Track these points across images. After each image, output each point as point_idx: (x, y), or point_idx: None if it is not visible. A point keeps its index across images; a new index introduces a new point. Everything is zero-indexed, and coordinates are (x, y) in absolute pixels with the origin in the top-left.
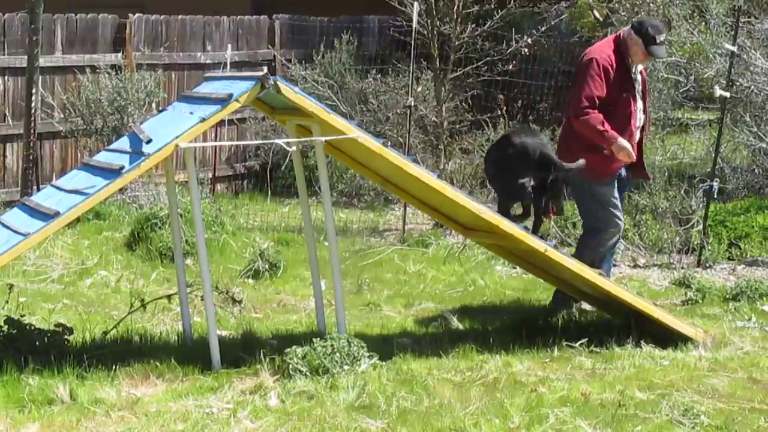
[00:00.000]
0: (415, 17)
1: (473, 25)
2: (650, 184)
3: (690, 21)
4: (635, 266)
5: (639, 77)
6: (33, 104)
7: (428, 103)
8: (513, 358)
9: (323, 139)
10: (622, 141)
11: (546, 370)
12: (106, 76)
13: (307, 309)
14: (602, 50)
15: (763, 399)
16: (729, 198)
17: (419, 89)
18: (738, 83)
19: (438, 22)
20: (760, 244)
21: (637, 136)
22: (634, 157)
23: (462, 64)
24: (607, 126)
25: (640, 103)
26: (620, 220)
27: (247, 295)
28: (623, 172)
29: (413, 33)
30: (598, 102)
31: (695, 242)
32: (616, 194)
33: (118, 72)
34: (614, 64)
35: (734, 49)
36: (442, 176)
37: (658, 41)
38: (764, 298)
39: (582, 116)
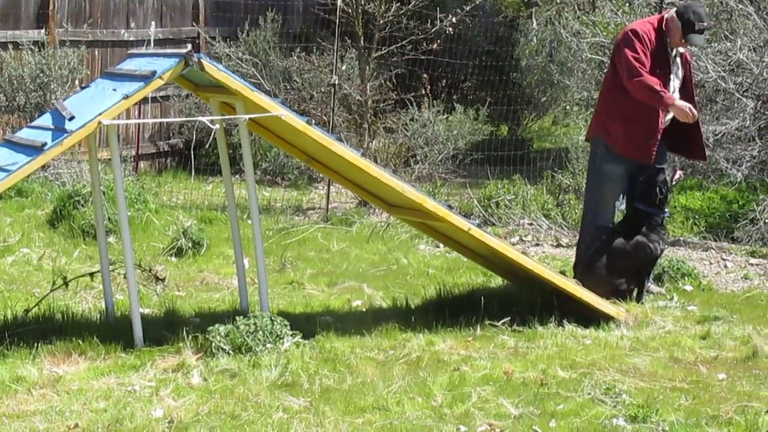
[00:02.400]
0: None
1: (398, 4)
2: (573, 163)
3: (614, 1)
4: (558, 246)
5: (678, 60)
6: None
7: (352, 82)
8: (436, 336)
9: (247, 117)
10: (681, 101)
11: (469, 349)
12: (29, 52)
13: (230, 287)
14: (643, 25)
15: (684, 378)
16: None
17: (343, 68)
18: None
19: (362, 1)
20: (682, 224)
21: (667, 118)
22: (693, 118)
23: (386, 42)
24: (661, 86)
25: (675, 85)
26: (612, 210)
27: (170, 273)
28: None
29: (338, 11)
30: (648, 67)
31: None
32: (623, 184)
33: (41, 48)
34: (653, 41)
35: None
36: (366, 155)
37: (697, 29)
38: (686, 277)
39: (637, 77)
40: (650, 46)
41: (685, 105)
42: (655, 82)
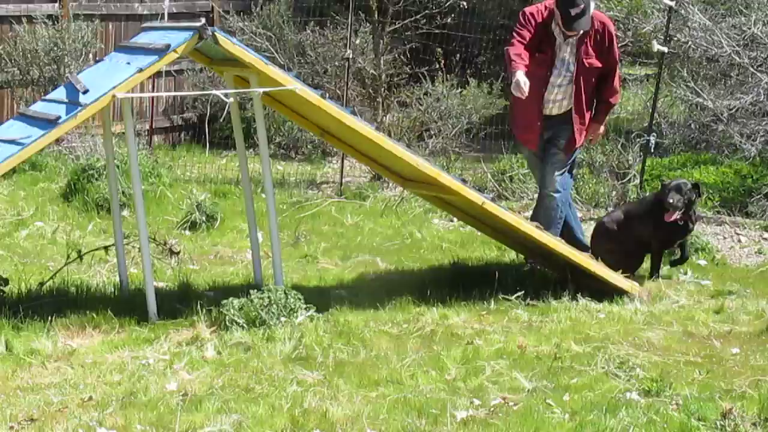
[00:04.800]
0: None
1: None
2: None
3: None
4: None
5: (573, 41)
6: None
7: (366, 56)
8: (450, 310)
9: (261, 90)
10: (519, 76)
11: (483, 323)
12: (43, 26)
13: (244, 261)
14: (536, 7)
15: (698, 352)
16: (665, 153)
17: (357, 42)
18: (675, 38)
19: None
20: None
21: (552, 107)
22: (521, 94)
23: (400, 16)
24: (521, 60)
25: (559, 76)
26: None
27: (184, 246)
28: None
29: None
30: (526, 42)
31: (632, 196)
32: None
33: (55, 22)
34: (539, 21)
35: (672, 4)
36: (380, 129)
37: (573, 14)
38: (700, 252)
39: (507, 46)
40: (533, 26)
41: (520, 80)
42: (516, 52)
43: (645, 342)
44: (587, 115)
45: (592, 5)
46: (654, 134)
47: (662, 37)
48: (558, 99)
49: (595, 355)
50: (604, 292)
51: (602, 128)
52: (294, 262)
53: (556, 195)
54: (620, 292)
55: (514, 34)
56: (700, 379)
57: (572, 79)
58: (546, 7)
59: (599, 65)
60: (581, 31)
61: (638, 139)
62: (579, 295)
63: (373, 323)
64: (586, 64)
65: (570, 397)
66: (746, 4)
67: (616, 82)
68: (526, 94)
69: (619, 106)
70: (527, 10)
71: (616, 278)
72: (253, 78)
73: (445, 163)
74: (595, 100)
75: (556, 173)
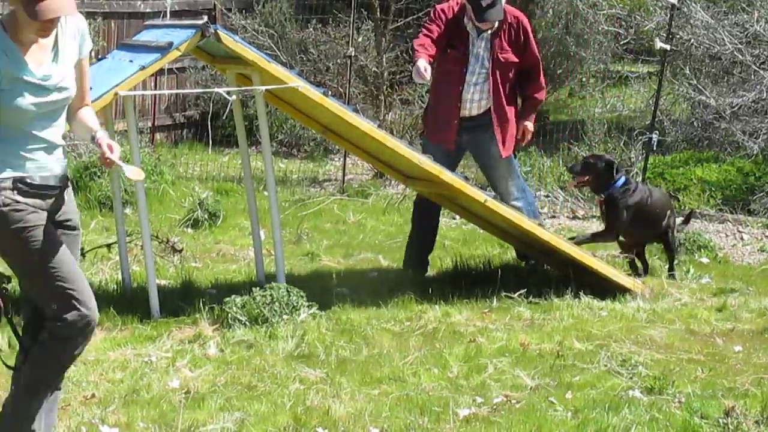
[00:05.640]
0: None
1: None
2: (589, 135)
3: None
4: (574, 218)
5: (483, 45)
6: None
7: (368, 54)
8: (452, 308)
9: (263, 88)
10: (420, 62)
11: (485, 321)
12: None
13: (247, 258)
14: (448, 4)
15: (701, 350)
16: (668, 150)
17: (360, 39)
18: (678, 36)
19: None
20: (698, 196)
21: (471, 107)
22: (422, 79)
23: (403, 14)
24: (424, 49)
25: (474, 73)
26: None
27: (187, 244)
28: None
29: None
30: (434, 36)
31: None
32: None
33: None
34: (450, 17)
35: (674, 1)
36: (382, 126)
37: (483, 5)
38: (702, 250)
39: (418, 34)
40: (443, 22)
41: (420, 66)
42: (420, 42)
43: (647, 340)
44: (509, 113)
45: None
46: (656, 132)
47: (665, 34)
48: (476, 99)
49: (597, 352)
50: (606, 289)
51: (531, 126)
52: (296, 259)
53: (519, 203)
54: (623, 290)
55: (422, 29)
56: (703, 377)
57: (488, 76)
58: (457, 3)
59: (516, 60)
60: (494, 24)
61: (640, 137)
62: (581, 293)
63: (376, 321)
64: (502, 59)
65: (572, 395)
66: (749, 1)
67: (541, 78)
68: (428, 78)
69: (621, 104)
70: (438, 6)
71: (618, 276)
72: (256, 76)
73: None
74: (518, 99)
75: (509, 183)
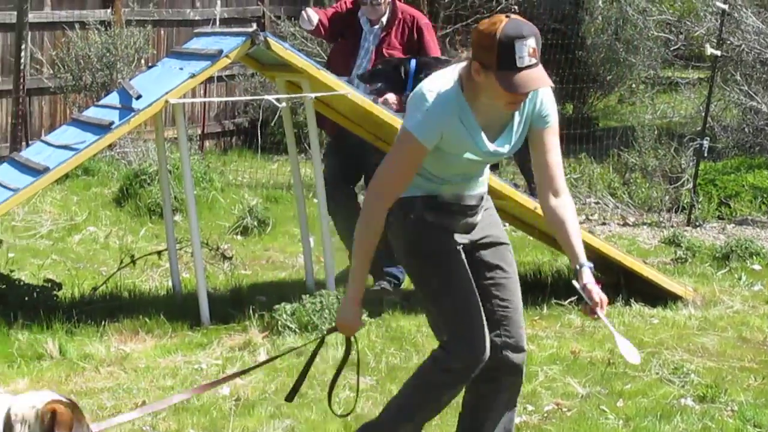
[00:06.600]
0: None
1: None
2: (639, 141)
3: None
4: (625, 225)
5: (372, 39)
6: (22, 60)
7: None
8: None
9: (313, 95)
10: (309, 11)
11: (535, 328)
12: (96, 32)
13: (296, 266)
14: None
15: (753, 357)
16: (719, 157)
17: None
18: (728, 42)
19: None
20: (750, 203)
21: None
22: (309, 25)
23: (452, 21)
24: (317, 9)
25: (359, 68)
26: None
27: (236, 251)
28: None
29: None
30: (327, 21)
31: (685, 201)
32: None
33: (108, 28)
34: (350, 7)
35: (725, 7)
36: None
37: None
38: (754, 257)
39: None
40: (343, 9)
41: (309, 11)
42: (309, 16)
43: (699, 347)
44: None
45: None
46: (707, 138)
47: (715, 40)
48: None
49: (649, 360)
50: (657, 296)
51: None
52: (346, 266)
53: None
54: (674, 297)
55: (322, 12)
56: (756, 385)
57: None
58: None
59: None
60: (380, 13)
61: (691, 143)
62: (632, 300)
63: (426, 328)
64: (385, 54)
65: (624, 403)
66: None
67: None
68: (315, 23)
69: (672, 110)
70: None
71: (669, 283)
72: (305, 83)
73: (496, 168)
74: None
75: None
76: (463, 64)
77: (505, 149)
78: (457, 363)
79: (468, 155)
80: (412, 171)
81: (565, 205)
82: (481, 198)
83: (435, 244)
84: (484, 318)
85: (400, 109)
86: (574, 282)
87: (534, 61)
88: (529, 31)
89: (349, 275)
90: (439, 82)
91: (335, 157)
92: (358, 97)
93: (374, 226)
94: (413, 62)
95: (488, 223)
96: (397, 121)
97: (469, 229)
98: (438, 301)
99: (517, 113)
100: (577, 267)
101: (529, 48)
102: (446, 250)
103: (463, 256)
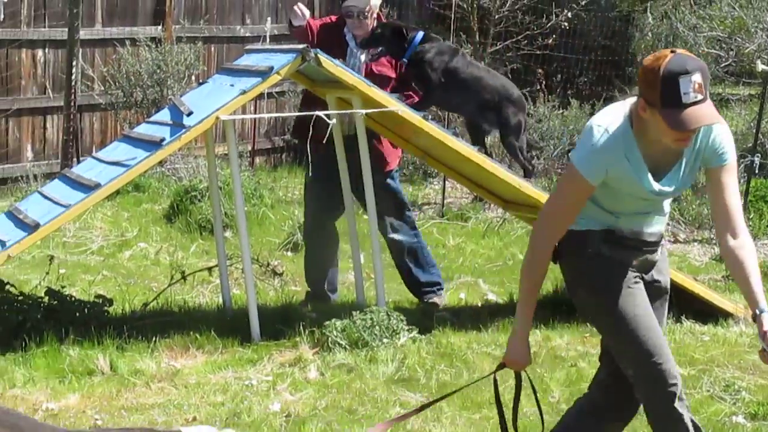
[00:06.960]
0: None
1: None
2: None
3: None
4: (675, 241)
5: (362, 57)
6: (73, 77)
7: None
8: (552, 332)
9: (363, 112)
10: (300, 5)
11: (586, 345)
12: (146, 48)
13: (347, 282)
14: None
15: None
16: None
17: None
18: None
19: None
20: None
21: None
22: (301, 20)
23: (502, 37)
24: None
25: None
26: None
27: (286, 267)
28: None
29: (453, 6)
30: (315, 28)
31: None
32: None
33: (158, 45)
34: (335, 21)
35: None
36: (481, 150)
37: (345, 13)
38: None
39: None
40: (324, 25)
41: (301, 5)
42: (295, 29)
43: (751, 365)
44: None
45: None
46: (758, 155)
47: (766, 56)
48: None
49: (700, 377)
50: (708, 314)
51: None
52: (396, 283)
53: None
54: (724, 315)
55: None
56: None
57: None
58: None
59: (392, 75)
60: (368, 30)
61: (742, 160)
62: (683, 317)
63: (476, 345)
64: (375, 71)
65: None
66: None
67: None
68: (307, 15)
69: None
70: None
71: (720, 300)
72: (356, 99)
73: (547, 185)
74: None
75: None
76: (635, 99)
77: (671, 189)
78: (665, 386)
79: (633, 193)
80: (578, 206)
81: (743, 245)
82: (661, 236)
83: (613, 278)
84: (671, 358)
85: (394, 70)
86: (756, 326)
87: (700, 97)
88: (694, 66)
89: (516, 311)
90: (609, 117)
91: (317, 201)
92: (409, 114)
93: (541, 262)
94: (420, 33)
95: (663, 267)
96: (448, 139)
97: (648, 267)
98: (621, 333)
99: (686, 151)
100: (757, 312)
101: (694, 84)
102: (625, 283)
103: (642, 286)
